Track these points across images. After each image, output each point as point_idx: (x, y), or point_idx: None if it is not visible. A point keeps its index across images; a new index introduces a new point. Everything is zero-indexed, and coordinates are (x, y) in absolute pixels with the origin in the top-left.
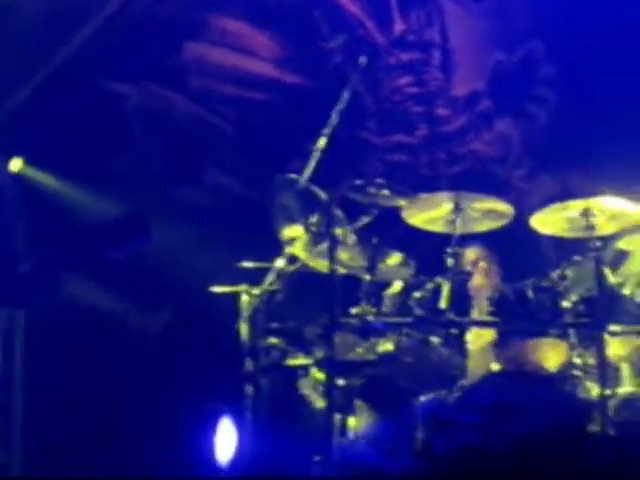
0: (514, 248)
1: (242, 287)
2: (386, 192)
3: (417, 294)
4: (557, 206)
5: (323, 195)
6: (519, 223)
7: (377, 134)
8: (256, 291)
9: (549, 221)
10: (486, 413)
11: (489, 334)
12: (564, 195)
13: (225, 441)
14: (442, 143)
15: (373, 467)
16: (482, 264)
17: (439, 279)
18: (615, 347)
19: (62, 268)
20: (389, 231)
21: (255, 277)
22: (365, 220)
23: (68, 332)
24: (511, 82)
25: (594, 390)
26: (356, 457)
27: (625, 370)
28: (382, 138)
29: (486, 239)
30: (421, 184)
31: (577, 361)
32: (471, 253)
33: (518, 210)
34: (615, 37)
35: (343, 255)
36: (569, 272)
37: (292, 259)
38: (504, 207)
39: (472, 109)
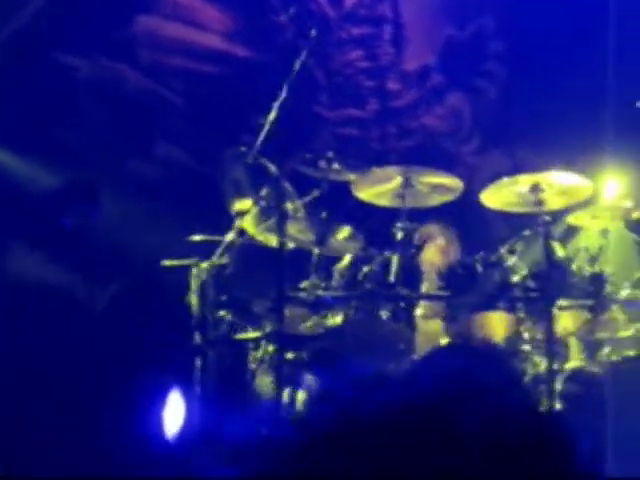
0: (464, 223)
1: (192, 260)
2: (336, 166)
3: (366, 268)
4: (506, 181)
5: (273, 169)
6: (469, 198)
7: (328, 108)
8: (206, 264)
9: (499, 196)
10: (360, 385)
11: (438, 308)
12: (514, 170)
13: (173, 414)
14: (393, 117)
15: (263, 437)
16: (440, 240)
17: (388, 253)
18: (563, 322)
19: (8, 239)
20: (339, 205)
21: (205, 250)
22: (315, 194)
23: (14, 304)
24: (462, 57)
25: (542, 364)
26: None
27: (573, 345)
28: (333, 112)
29: (438, 214)
30: (372, 158)
31: (525, 335)
32: (429, 228)
33: (468, 185)
34: (564, 13)
35: (292, 229)
36: (518, 247)
37: (242, 233)
38: (453, 182)
39: (423, 84)
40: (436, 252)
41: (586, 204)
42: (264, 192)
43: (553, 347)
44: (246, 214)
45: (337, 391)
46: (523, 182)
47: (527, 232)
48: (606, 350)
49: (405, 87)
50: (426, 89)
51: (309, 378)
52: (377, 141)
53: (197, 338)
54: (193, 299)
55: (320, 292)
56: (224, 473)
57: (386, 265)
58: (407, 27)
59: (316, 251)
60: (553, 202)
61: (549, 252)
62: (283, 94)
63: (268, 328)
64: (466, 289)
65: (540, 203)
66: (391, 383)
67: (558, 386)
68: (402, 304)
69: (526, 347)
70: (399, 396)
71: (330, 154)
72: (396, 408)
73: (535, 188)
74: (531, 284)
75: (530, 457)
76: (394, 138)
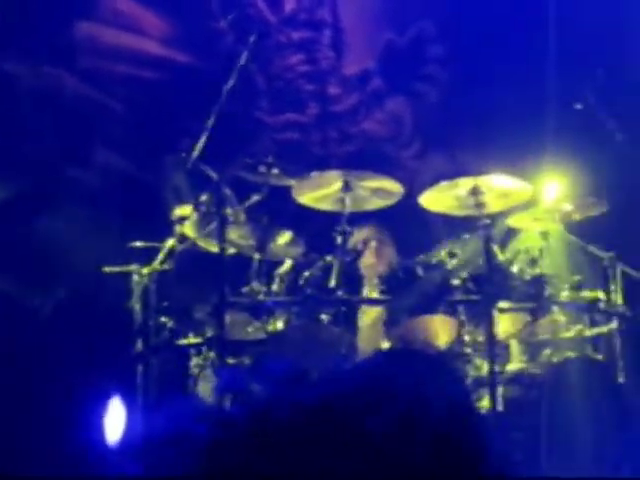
0: (405, 226)
1: (133, 267)
2: (276, 171)
3: (307, 273)
4: (446, 184)
5: (213, 174)
6: (410, 201)
7: (268, 113)
8: (147, 271)
9: (439, 199)
10: (279, 383)
11: (379, 312)
12: (455, 173)
13: (115, 421)
14: (333, 122)
15: (185, 431)
16: (373, 243)
17: (329, 258)
18: (504, 324)
19: None
20: (279, 210)
21: (146, 257)
22: (255, 199)
23: None
24: (402, 61)
25: (484, 367)
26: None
27: (514, 347)
28: (273, 117)
29: (379, 218)
30: (313, 163)
31: (466, 338)
32: (363, 232)
33: (409, 189)
34: (504, 17)
35: (233, 234)
36: (458, 250)
37: (182, 239)
38: (394, 186)
39: (363, 88)
40: (372, 255)
41: (526, 207)
42: (204, 198)
43: (494, 350)
44: (186, 220)
45: (255, 390)
46: (463, 185)
47: (467, 235)
48: (547, 352)
49: (345, 91)
50: (366, 93)
51: (231, 377)
52: (318, 146)
53: (139, 344)
54: (135, 305)
55: (261, 297)
56: (134, 470)
57: (327, 270)
58: (347, 31)
59: (257, 256)
60: (493, 205)
61: (489, 255)
62: (223, 100)
63: (209, 334)
64: (407, 293)
65: (480, 206)
66: (308, 384)
67: (500, 388)
68: (343, 308)
69: (467, 350)
70: (315, 397)
71: (270, 159)
72: (311, 408)
73: (475, 191)
74: (471, 287)
75: (440, 459)
76: (335, 143)
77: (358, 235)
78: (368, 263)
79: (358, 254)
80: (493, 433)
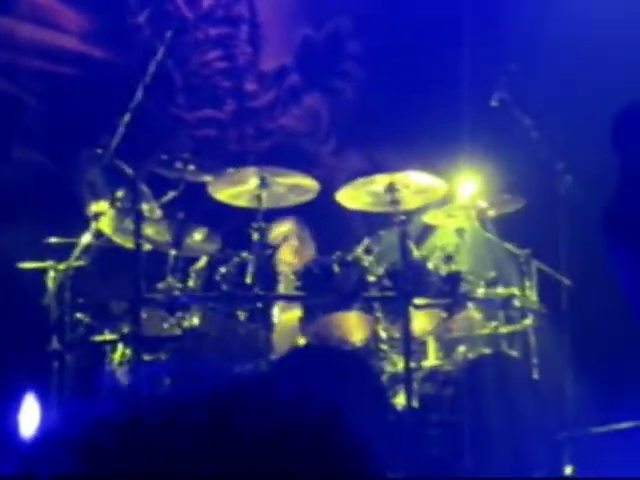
0: (323, 223)
1: (48, 263)
2: (192, 167)
3: (223, 269)
4: (363, 181)
5: (129, 170)
6: (328, 198)
7: (185, 109)
8: (62, 267)
9: (355, 196)
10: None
11: (295, 308)
12: (372, 170)
13: (29, 418)
14: (251, 118)
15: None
16: (291, 240)
17: (245, 254)
18: (420, 321)
19: None
20: (195, 206)
21: (61, 253)
22: (171, 195)
23: None
24: (319, 57)
25: (400, 363)
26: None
27: (430, 343)
28: (190, 113)
29: (297, 214)
30: (230, 159)
31: (383, 335)
32: (281, 228)
33: (327, 185)
34: (420, 14)
35: (149, 230)
36: (374, 246)
37: (98, 234)
38: (310, 182)
39: (280, 84)
40: (289, 251)
41: (442, 203)
42: (120, 194)
43: (410, 346)
44: (102, 216)
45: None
46: (379, 182)
47: (383, 232)
48: (462, 348)
49: (262, 87)
50: (283, 90)
51: (120, 374)
52: (235, 142)
53: (54, 341)
54: (50, 302)
55: (177, 293)
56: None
57: (243, 266)
58: (264, 27)
59: (173, 252)
60: (409, 201)
61: (405, 251)
62: (139, 95)
63: (125, 330)
64: (323, 289)
65: (396, 202)
66: (181, 384)
67: (415, 385)
68: (259, 305)
69: (384, 346)
70: (187, 396)
71: (186, 155)
72: (183, 407)
73: (391, 188)
74: (387, 283)
75: (312, 458)
76: (252, 139)
77: (276, 231)
78: (285, 259)
79: (275, 250)
80: (408, 429)
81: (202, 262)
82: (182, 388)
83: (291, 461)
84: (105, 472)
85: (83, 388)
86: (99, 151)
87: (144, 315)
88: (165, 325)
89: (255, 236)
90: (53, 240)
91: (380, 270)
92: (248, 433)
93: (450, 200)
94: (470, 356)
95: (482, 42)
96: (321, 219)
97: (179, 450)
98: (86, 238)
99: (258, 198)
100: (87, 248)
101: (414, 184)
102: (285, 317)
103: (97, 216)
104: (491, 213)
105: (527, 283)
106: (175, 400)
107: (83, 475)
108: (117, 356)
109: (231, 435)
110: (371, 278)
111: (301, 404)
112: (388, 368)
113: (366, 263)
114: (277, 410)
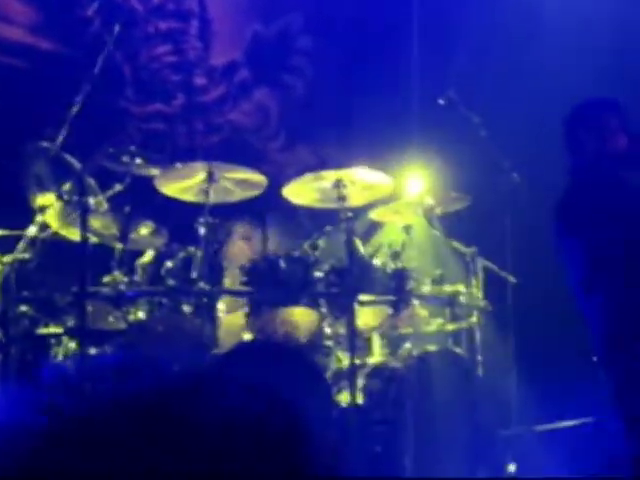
0: (271, 219)
1: None
2: (139, 161)
3: (169, 263)
4: (310, 177)
5: (76, 163)
6: (276, 193)
7: (134, 103)
8: (7, 259)
9: (302, 192)
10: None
11: (241, 303)
12: (320, 166)
13: None
14: (200, 113)
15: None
16: (238, 235)
17: (191, 248)
18: (366, 317)
19: None
20: (142, 200)
21: (6, 245)
22: (118, 188)
23: None
24: (269, 52)
25: (345, 360)
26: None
27: (375, 340)
28: (139, 107)
29: (244, 209)
30: (178, 154)
31: (328, 331)
32: (229, 224)
33: (275, 181)
34: (371, 9)
35: (95, 223)
36: (321, 242)
37: (44, 227)
38: (258, 177)
39: (230, 79)
40: (239, 247)
41: (389, 200)
42: (66, 187)
43: (355, 342)
44: (48, 208)
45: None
46: (326, 178)
47: (329, 227)
48: (408, 345)
49: (212, 82)
50: (233, 84)
51: (69, 364)
52: (184, 137)
53: None
54: None
55: (122, 287)
56: None
57: (189, 260)
58: (214, 22)
59: (119, 246)
60: (355, 198)
61: (351, 248)
62: (87, 88)
63: (70, 323)
64: (269, 284)
65: (342, 199)
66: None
67: (360, 381)
68: (205, 299)
69: (329, 342)
70: (131, 390)
71: (133, 148)
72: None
73: (337, 184)
74: (333, 279)
75: (263, 457)
76: (201, 134)
77: (227, 227)
78: (233, 254)
79: (221, 245)
80: (353, 426)
81: (148, 256)
82: (126, 382)
83: (241, 456)
84: (45, 463)
85: (27, 380)
86: (45, 144)
87: (89, 308)
88: (110, 319)
89: (202, 231)
90: None
91: (326, 266)
92: (194, 427)
93: (397, 197)
94: (415, 353)
95: (431, 39)
96: (268, 214)
97: (121, 443)
98: (32, 231)
99: (205, 193)
100: (33, 241)
101: (361, 181)
102: (230, 312)
103: (43, 209)
104: (438, 210)
105: (473, 281)
106: (118, 394)
107: (25, 465)
108: (62, 349)
109: (176, 429)
110: (317, 274)
111: (248, 399)
112: (333, 364)
113: (312, 259)
114: (225, 403)
